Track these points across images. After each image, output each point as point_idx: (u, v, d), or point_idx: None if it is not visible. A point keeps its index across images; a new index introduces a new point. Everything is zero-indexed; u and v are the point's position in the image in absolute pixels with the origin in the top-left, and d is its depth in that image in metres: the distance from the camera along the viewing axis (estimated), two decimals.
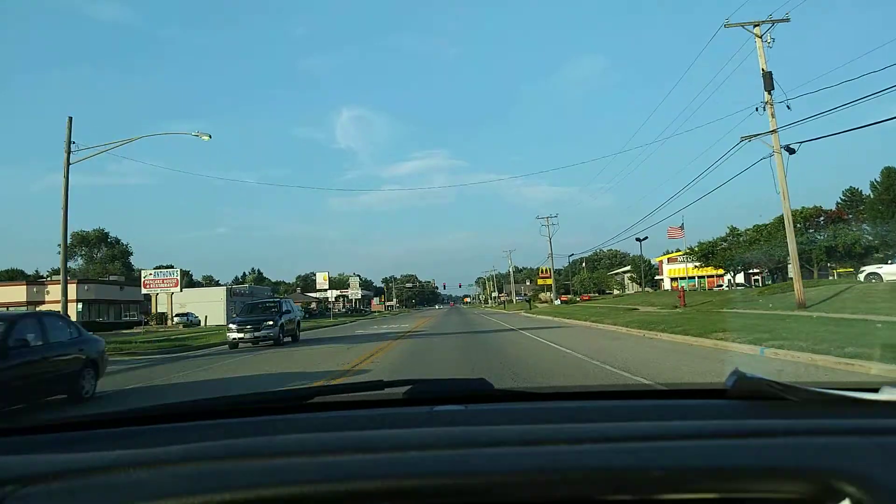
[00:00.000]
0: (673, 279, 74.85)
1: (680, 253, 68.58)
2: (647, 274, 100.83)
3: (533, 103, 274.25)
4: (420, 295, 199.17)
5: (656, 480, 0.85)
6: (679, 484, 0.85)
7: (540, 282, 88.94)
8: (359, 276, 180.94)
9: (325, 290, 74.94)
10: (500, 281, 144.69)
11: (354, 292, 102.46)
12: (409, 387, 1.54)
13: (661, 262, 75.42)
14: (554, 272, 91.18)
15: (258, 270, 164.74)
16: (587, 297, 69.09)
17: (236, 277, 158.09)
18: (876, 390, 1.18)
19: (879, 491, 0.80)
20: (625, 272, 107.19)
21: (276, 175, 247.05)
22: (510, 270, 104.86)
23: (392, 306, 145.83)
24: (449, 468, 0.88)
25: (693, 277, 70.99)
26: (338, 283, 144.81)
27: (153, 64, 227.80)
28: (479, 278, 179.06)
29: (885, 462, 0.87)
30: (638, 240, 54.73)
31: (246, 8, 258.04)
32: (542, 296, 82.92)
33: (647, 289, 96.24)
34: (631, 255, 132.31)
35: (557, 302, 62.09)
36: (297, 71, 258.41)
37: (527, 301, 61.69)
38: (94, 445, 1.12)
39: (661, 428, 1.02)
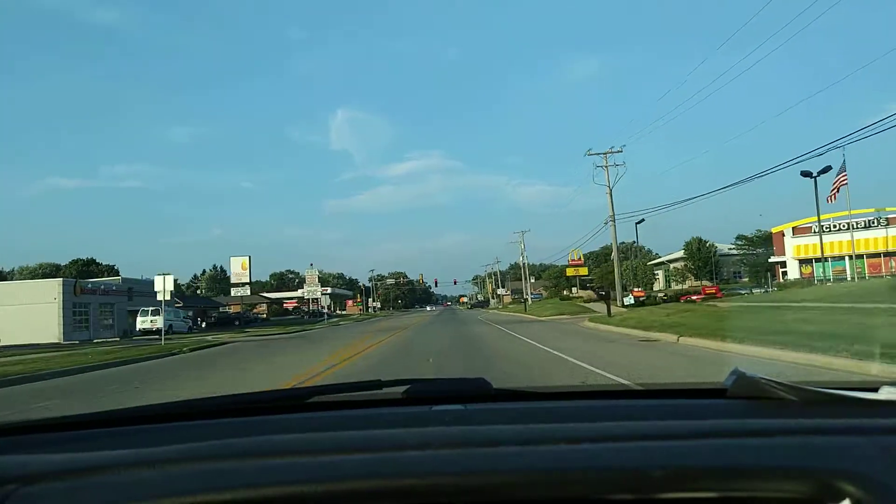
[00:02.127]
0: (803, 261, 46.19)
1: (836, 214, 40.51)
2: (709, 261, 74.54)
3: (529, 103, 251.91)
4: (411, 294, 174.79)
5: (656, 480, 0.84)
6: (679, 483, 0.84)
7: (570, 272, 62.04)
8: (341, 274, 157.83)
9: (243, 284, 47.92)
10: (504, 277, 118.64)
11: (311, 290, 74.29)
12: (407, 386, 1.54)
13: (779, 233, 47.12)
14: (584, 257, 65.05)
15: (220, 268, 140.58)
16: (714, 290, 39.35)
17: (195, 275, 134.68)
18: (876, 390, 1.18)
19: (880, 491, 0.80)
20: (671, 261, 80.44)
21: (269, 177, 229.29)
22: (523, 260, 77.81)
23: (375, 308, 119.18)
24: (448, 468, 0.87)
25: (838, 258, 42.97)
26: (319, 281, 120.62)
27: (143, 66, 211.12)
28: (476, 276, 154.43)
29: (886, 462, 0.86)
30: (805, 174, 27.95)
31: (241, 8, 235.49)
32: (583, 293, 56.37)
33: (703, 281, 69.94)
34: (646, 249, 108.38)
35: (629, 300, 34.85)
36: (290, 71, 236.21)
37: (601, 297, 32.99)
38: (94, 445, 1.12)
39: (661, 427, 1.02)
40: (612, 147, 36.87)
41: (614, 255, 36.37)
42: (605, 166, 37.09)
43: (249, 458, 0.93)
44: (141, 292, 50.75)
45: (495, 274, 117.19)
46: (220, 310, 70.37)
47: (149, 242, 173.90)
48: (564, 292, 73.66)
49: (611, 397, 1.58)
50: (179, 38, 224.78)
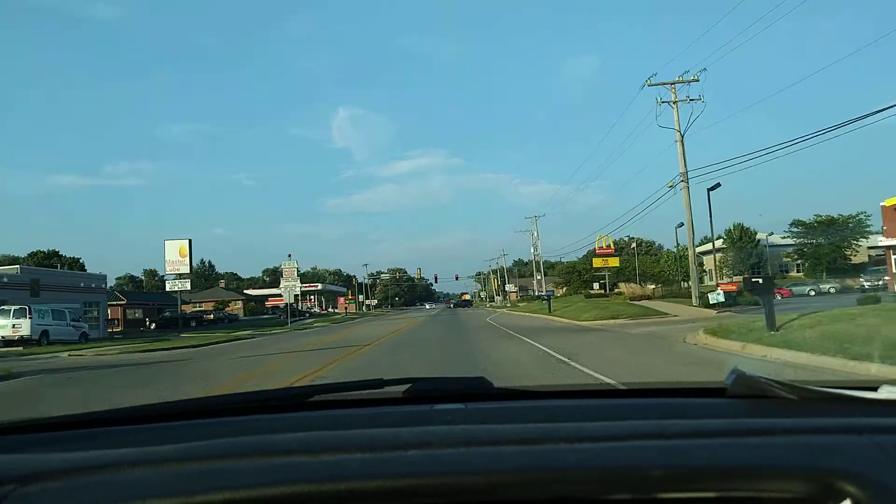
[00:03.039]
0: None
1: None
2: (752, 252, 63.14)
3: (532, 101, 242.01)
4: (411, 291, 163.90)
5: (656, 479, 0.84)
6: (679, 483, 0.85)
7: (597, 262, 50.68)
8: (339, 270, 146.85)
9: (182, 275, 36.92)
10: (509, 274, 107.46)
11: (290, 285, 61.73)
12: (408, 385, 1.54)
13: (891, 208, 34.99)
14: (610, 245, 53.39)
15: (208, 262, 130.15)
16: None
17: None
18: (875, 389, 1.19)
19: (879, 490, 0.80)
20: (703, 253, 68.31)
21: (271, 174, 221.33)
22: (535, 251, 66.39)
23: (369, 306, 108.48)
24: (449, 467, 0.88)
25: None
26: (311, 277, 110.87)
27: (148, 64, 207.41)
28: (478, 272, 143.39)
29: (886, 461, 0.86)
30: None
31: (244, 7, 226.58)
32: (625, 288, 44.89)
33: (745, 274, 58.60)
34: (658, 245, 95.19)
35: (718, 297, 23.48)
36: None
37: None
38: (94, 445, 1.12)
39: (661, 427, 1.01)
40: (684, 73, 25.34)
41: (689, 229, 25.04)
42: (674, 102, 25.60)
43: (250, 457, 0.91)
44: (60, 286, 39.74)
45: (500, 269, 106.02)
46: (183, 307, 59.77)
47: (144, 239, 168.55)
48: (584, 289, 62.19)
49: (611, 396, 1.60)
50: (177, 33, 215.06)
